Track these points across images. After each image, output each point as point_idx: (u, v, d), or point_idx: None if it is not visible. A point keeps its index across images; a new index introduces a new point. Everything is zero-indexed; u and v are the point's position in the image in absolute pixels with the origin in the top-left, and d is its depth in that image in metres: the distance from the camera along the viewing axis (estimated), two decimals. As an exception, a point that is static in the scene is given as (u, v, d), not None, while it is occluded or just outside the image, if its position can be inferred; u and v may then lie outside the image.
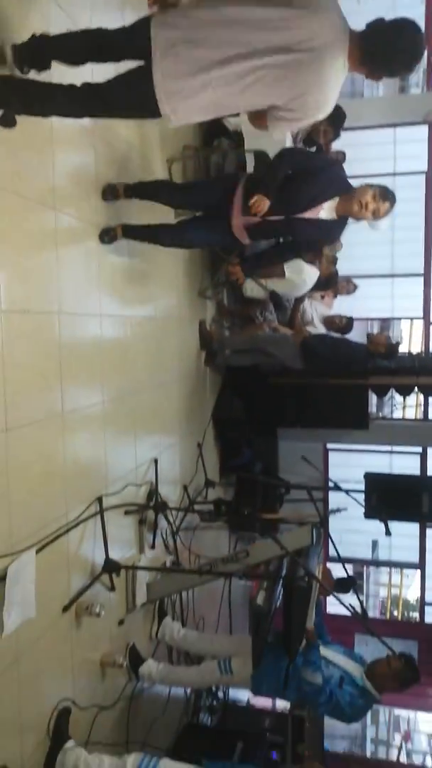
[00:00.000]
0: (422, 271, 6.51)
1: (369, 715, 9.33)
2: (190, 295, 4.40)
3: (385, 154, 6.82)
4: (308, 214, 2.93)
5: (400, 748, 9.05)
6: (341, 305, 6.00)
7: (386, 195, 2.95)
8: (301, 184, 2.88)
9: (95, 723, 2.68)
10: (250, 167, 4.50)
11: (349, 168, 6.05)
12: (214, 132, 4.56)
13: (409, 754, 9.22)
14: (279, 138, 2.66)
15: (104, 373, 2.91)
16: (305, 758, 3.89)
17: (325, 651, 3.16)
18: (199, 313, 4.67)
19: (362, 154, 6.56)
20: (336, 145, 5.71)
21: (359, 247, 6.36)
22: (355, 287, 5.88)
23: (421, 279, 6.52)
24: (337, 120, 4.91)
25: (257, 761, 3.54)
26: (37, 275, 2.32)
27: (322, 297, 5.66)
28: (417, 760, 9.17)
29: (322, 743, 5.20)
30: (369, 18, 1.97)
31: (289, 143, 4.53)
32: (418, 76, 7.08)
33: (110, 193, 2.91)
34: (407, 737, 9.66)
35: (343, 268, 5.69)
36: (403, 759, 8.66)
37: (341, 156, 5.91)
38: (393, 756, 8.89)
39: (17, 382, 2.16)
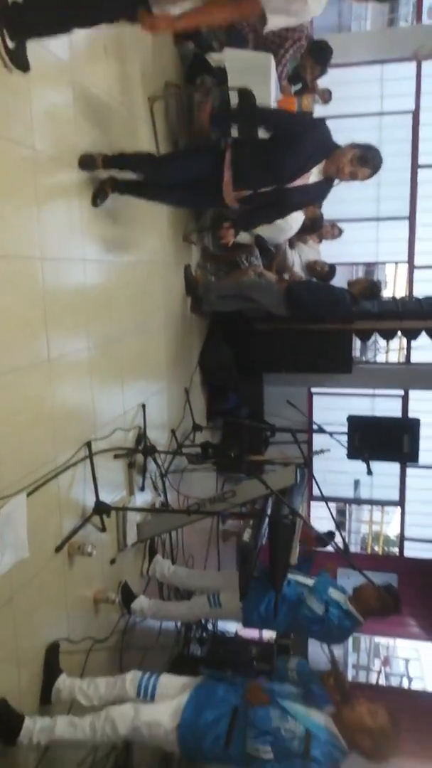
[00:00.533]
0: (407, 214, 6.46)
1: (351, 642, 9.85)
2: (174, 240, 4.35)
3: (371, 93, 6.65)
4: (297, 182, 2.86)
5: (379, 673, 9.58)
6: (326, 250, 5.97)
7: (367, 159, 2.76)
8: (287, 155, 2.74)
9: (89, 656, 2.81)
10: (233, 105, 4.39)
11: (335, 107, 5.96)
12: (196, 69, 4.40)
13: (387, 678, 9.77)
14: (274, 24, 2.34)
15: (89, 320, 2.91)
16: None
17: (309, 581, 3.34)
18: (184, 259, 4.63)
19: (348, 93, 6.39)
20: (322, 83, 5.56)
21: (344, 190, 6.25)
22: (341, 231, 5.84)
23: (407, 222, 6.48)
24: (323, 55, 4.77)
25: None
26: (17, 220, 2.29)
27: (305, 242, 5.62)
28: (395, 682, 9.73)
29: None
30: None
31: (274, 77, 4.41)
32: (407, 8, 6.83)
33: (87, 164, 2.79)
34: (386, 662, 10.21)
35: (328, 211, 5.63)
36: (382, 682, 9.18)
37: (327, 95, 5.76)
38: (373, 680, 9.42)
39: (1, 329, 2.16)
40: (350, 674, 9.49)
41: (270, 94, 4.35)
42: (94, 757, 2.78)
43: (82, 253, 2.85)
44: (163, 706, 2.35)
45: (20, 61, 2.21)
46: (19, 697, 2.30)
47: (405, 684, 9.33)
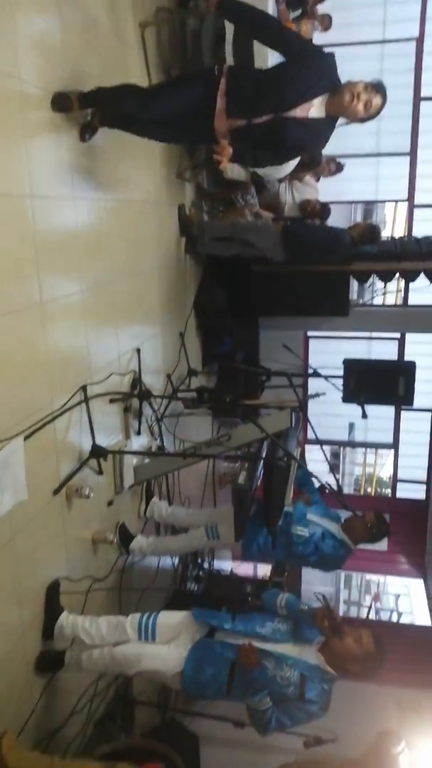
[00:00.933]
0: (408, 150, 6.24)
1: (342, 579, 10.19)
2: (168, 178, 4.21)
3: (373, 18, 6.31)
4: (298, 113, 2.62)
5: (369, 608, 9.94)
6: (324, 188, 5.79)
7: (379, 88, 2.62)
8: (288, 76, 2.55)
9: (89, 595, 2.88)
10: (229, 33, 4.17)
11: (334, 34, 5.67)
12: (189, -8, 4.15)
13: (378, 613, 10.15)
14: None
15: (81, 261, 2.84)
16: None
17: (308, 514, 3.41)
18: (178, 197, 4.50)
19: (349, 18, 6.07)
20: (322, 8, 5.28)
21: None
22: (339, 167, 5.64)
23: (407, 159, 6.27)
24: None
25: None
26: (4, 156, 2.20)
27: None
28: (384, 617, 10.10)
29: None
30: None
31: (271, 1, 4.17)
32: None
33: (61, 104, 2.52)
34: (377, 598, 10.58)
35: (327, 147, 5.44)
36: (372, 617, 9.53)
37: (327, 20, 5.48)
38: (363, 615, 9.78)
39: (-7, 270, 2.11)
40: (342, 610, 9.85)
41: (267, 20, 4.12)
42: (95, 687, 2.89)
43: (72, 191, 2.75)
44: (164, 652, 2.47)
45: None
46: (23, 633, 2.37)
47: (394, 619, 9.69)
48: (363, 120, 2.68)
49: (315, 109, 2.64)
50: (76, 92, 2.59)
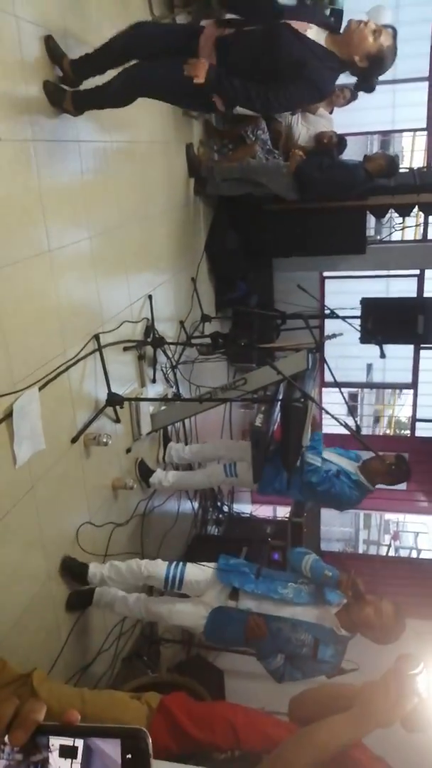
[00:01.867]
0: (427, 75, 5.91)
1: (362, 519, 10.34)
2: (174, 116, 4.05)
3: None
4: (294, 24, 2.33)
5: (389, 546, 10.11)
6: (338, 119, 5.54)
7: (390, 28, 2.37)
8: None
9: (111, 539, 2.94)
10: None
11: None
12: None
13: (397, 551, 10.33)
14: None
15: (88, 207, 2.77)
16: None
17: (324, 452, 3.44)
18: (186, 136, 4.33)
19: None
20: None
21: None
22: (354, 94, 5.36)
23: (426, 84, 5.94)
24: None
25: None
26: (3, 98, 2.11)
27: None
28: (404, 554, 10.29)
29: (319, 545, 5.77)
30: None
31: None
32: None
33: (54, 96, 2.38)
34: (396, 537, 10.75)
35: (339, 76, 5.17)
36: (392, 554, 9.71)
37: None
38: (383, 553, 9.96)
39: (-2, 219, 2.06)
40: (361, 549, 10.04)
41: None
42: (122, 627, 2.99)
43: (76, 133, 2.65)
44: (190, 611, 2.67)
45: None
46: (48, 577, 2.44)
47: (413, 554, 9.86)
48: (369, 61, 2.37)
49: (312, 32, 2.37)
50: (68, 65, 2.41)
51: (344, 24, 2.43)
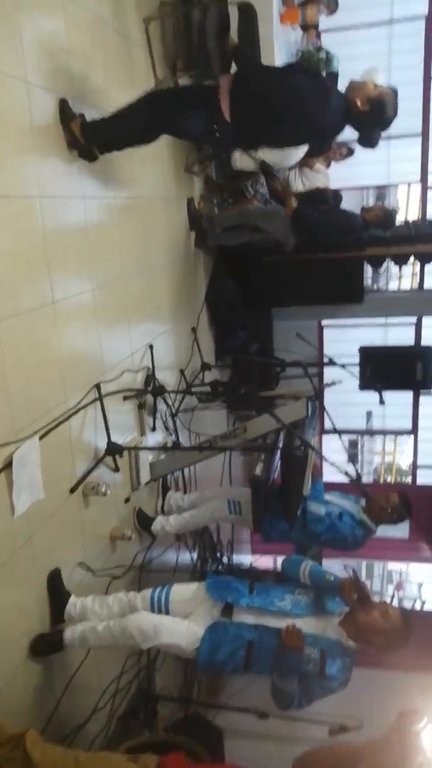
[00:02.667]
0: (420, 131, 6.13)
1: (364, 569, 10.15)
2: (176, 173, 4.18)
3: (380, -1, 6.20)
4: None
5: (392, 597, 9.88)
6: (335, 174, 5.72)
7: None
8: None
9: (108, 592, 2.88)
10: (234, 22, 4.11)
11: (341, 17, 5.57)
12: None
13: (401, 602, 10.09)
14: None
15: (91, 260, 2.84)
16: None
17: (325, 495, 3.39)
18: (187, 192, 4.47)
19: (356, 0, 5.96)
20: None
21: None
22: (351, 151, 5.56)
23: (419, 139, 6.16)
24: None
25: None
26: (13, 159, 2.19)
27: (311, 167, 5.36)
28: (408, 605, 10.05)
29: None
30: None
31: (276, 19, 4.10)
32: None
33: (73, 144, 2.58)
34: (399, 587, 10.52)
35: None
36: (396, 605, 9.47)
37: (333, 4, 5.39)
38: (387, 603, 9.71)
39: (4, 272, 2.12)
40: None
41: (272, 7, 4.09)
42: (117, 684, 2.91)
43: (81, 190, 2.74)
44: (180, 628, 2.41)
45: None
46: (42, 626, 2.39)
47: (418, 607, 9.63)
48: (370, 105, 2.58)
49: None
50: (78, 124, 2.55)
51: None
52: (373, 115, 2.61)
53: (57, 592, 2.47)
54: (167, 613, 2.49)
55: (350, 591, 2.37)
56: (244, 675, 2.45)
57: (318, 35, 5.61)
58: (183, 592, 2.57)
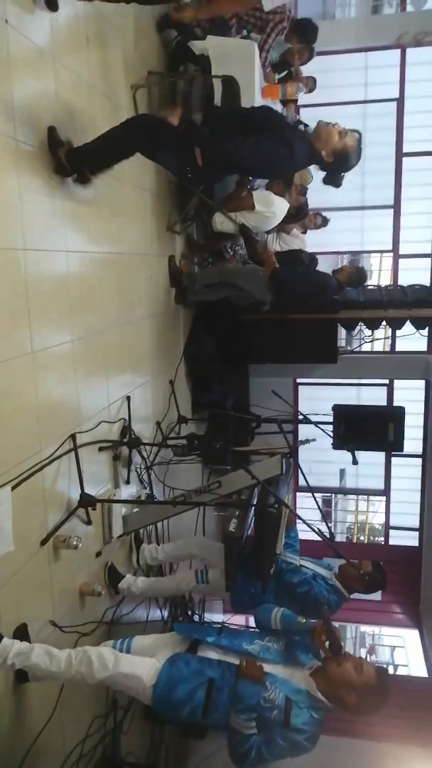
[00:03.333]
0: (392, 203, 6.46)
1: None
2: (158, 231, 4.32)
3: (356, 81, 6.63)
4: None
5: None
6: (311, 240, 5.96)
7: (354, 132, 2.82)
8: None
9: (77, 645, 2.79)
10: (217, 94, 4.35)
11: (319, 95, 5.93)
12: (179, 57, 4.35)
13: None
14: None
15: (72, 312, 2.88)
16: None
17: (294, 557, 3.37)
18: (168, 249, 4.60)
19: (333, 81, 6.37)
20: (305, 71, 5.53)
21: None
22: (325, 220, 5.82)
23: (391, 211, 6.48)
24: (308, 34, 4.71)
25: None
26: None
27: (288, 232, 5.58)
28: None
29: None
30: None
31: (258, 64, 4.36)
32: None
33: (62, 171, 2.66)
34: (372, 651, 10.33)
35: (312, 200, 5.62)
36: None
37: (311, 83, 5.73)
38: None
39: (-16, 321, 2.14)
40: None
41: (254, 82, 4.32)
42: (81, 749, 2.78)
43: (65, 244, 2.81)
44: (143, 660, 2.30)
45: None
46: (6, 691, 2.29)
47: (390, 671, 9.43)
48: (335, 157, 2.75)
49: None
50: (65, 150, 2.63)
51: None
52: (337, 166, 2.80)
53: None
54: (128, 651, 2.42)
55: (320, 635, 2.26)
56: (202, 721, 2.21)
57: (297, 110, 5.95)
58: (146, 638, 2.51)
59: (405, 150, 6.41)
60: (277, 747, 2.09)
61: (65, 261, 2.81)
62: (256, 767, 2.14)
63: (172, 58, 4.36)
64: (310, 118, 5.93)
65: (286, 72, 5.49)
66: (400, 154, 6.41)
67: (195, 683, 2.20)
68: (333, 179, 2.95)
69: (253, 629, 2.53)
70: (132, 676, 2.23)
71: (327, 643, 2.23)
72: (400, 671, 9.60)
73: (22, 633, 2.37)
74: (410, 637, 8.91)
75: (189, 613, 4.53)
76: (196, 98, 4.23)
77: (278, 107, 5.56)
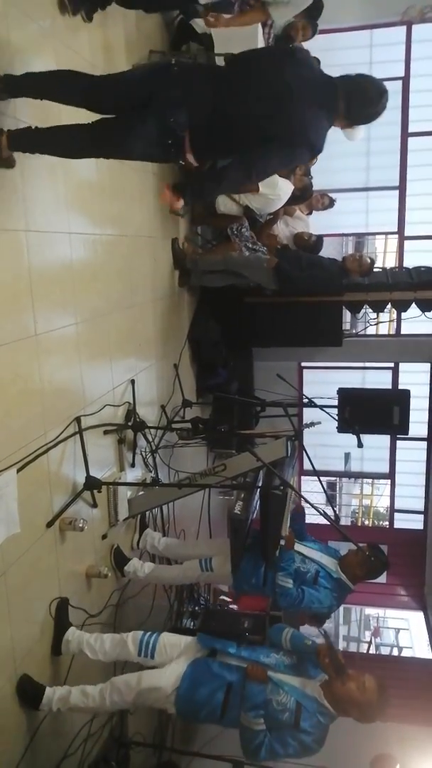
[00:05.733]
0: (397, 184, 6.38)
1: (341, 614, 10.02)
2: (161, 213, 4.28)
3: (360, 59, 6.52)
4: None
5: (369, 643, 9.76)
6: (316, 221, 5.90)
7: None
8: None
9: (83, 629, 2.82)
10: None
11: (325, 60, 5.80)
12: (182, 36, 4.29)
13: (377, 648, 9.96)
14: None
15: (76, 294, 2.87)
16: None
17: (302, 548, 3.38)
18: (172, 232, 4.56)
19: (337, 59, 6.26)
20: (310, 49, 5.42)
21: (334, 160, 6.20)
22: (332, 201, 5.75)
23: (396, 192, 6.40)
24: (314, 11, 4.60)
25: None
26: (1, 191, 2.23)
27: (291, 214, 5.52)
28: (385, 651, 9.92)
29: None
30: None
31: (261, 43, 4.29)
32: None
33: None
34: (376, 633, 10.40)
35: (317, 182, 5.55)
36: (372, 652, 9.35)
37: (315, 62, 5.63)
38: (363, 650, 9.60)
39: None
40: (341, 646, 9.66)
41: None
42: (89, 729, 2.81)
43: (68, 226, 2.79)
44: (163, 671, 2.47)
45: None
46: (14, 670, 2.32)
47: (395, 653, 9.51)
48: None
49: None
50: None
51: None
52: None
53: (61, 620, 2.60)
54: (152, 656, 2.55)
55: (324, 656, 2.42)
56: (219, 723, 2.44)
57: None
58: (171, 639, 2.63)
59: (411, 130, 6.32)
60: (288, 746, 2.30)
61: (68, 243, 2.79)
62: (267, 762, 2.39)
63: (174, 36, 4.29)
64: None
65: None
66: (405, 134, 6.31)
67: (215, 686, 2.40)
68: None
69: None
70: (155, 688, 2.42)
71: (329, 663, 2.39)
72: (405, 653, 9.67)
73: (62, 609, 2.60)
74: (415, 620, 8.98)
75: (195, 596, 4.56)
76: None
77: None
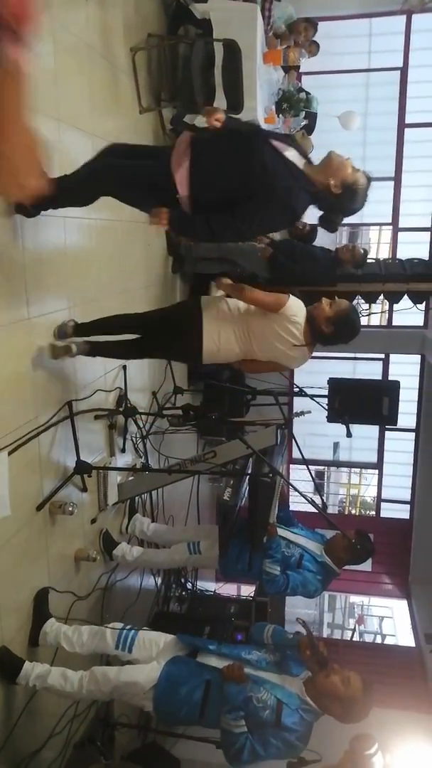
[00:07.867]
0: (393, 175, 6.38)
1: (326, 602, 10.14)
2: (156, 198, 4.26)
3: (359, 48, 6.48)
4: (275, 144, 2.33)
5: (353, 630, 9.88)
6: (311, 212, 5.88)
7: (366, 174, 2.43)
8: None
9: (70, 614, 2.84)
10: (218, 59, 4.25)
11: (320, 62, 5.81)
12: (180, 19, 4.24)
13: (361, 635, 10.09)
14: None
15: (69, 279, 2.86)
16: None
17: (286, 533, 3.38)
18: (166, 218, 4.54)
19: (335, 47, 6.22)
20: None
21: (329, 149, 6.17)
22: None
23: (392, 183, 6.40)
24: (315, 21, 4.61)
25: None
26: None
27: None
28: (368, 639, 10.05)
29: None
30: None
31: (260, 29, 4.26)
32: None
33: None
34: (360, 621, 10.52)
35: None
36: (356, 639, 9.48)
37: (314, 47, 5.61)
38: (347, 637, 9.72)
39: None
40: (325, 633, 9.79)
41: (256, 47, 4.22)
42: (75, 709, 2.85)
43: (62, 210, 2.77)
44: (142, 667, 2.44)
45: None
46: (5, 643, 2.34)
47: (378, 640, 9.64)
48: (343, 189, 2.35)
49: (291, 155, 2.35)
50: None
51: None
52: (342, 201, 2.39)
53: (40, 611, 2.55)
54: (130, 651, 2.51)
55: (305, 649, 2.41)
56: (198, 724, 2.39)
57: (299, 77, 5.84)
58: (150, 635, 2.58)
59: (407, 121, 6.31)
60: (270, 746, 2.23)
61: (62, 227, 2.78)
62: (251, 765, 2.28)
63: (172, 20, 4.25)
64: (312, 86, 5.84)
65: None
66: (402, 125, 6.29)
67: (194, 684, 2.34)
68: (330, 220, 2.56)
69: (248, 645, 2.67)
70: (132, 683, 2.36)
71: (310, 655, 2.38)
72: (388, 641, 9.80)
73: (41, 599, 2.56)
74: (398, 608, 9.09)
75: (182, 580, 4.60)
76: (197, 63, 4.14)
77: (280, 73, 5.46)
